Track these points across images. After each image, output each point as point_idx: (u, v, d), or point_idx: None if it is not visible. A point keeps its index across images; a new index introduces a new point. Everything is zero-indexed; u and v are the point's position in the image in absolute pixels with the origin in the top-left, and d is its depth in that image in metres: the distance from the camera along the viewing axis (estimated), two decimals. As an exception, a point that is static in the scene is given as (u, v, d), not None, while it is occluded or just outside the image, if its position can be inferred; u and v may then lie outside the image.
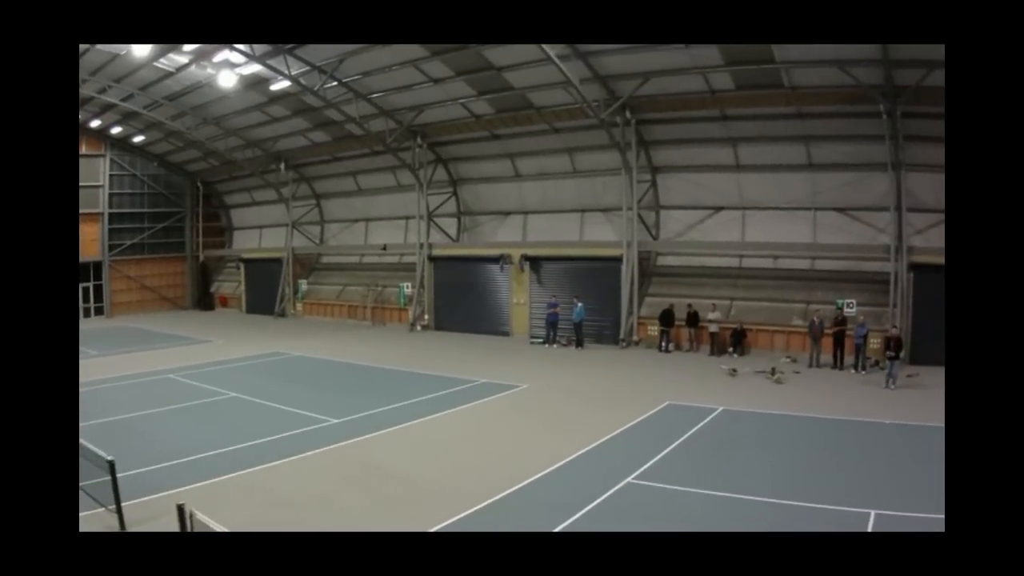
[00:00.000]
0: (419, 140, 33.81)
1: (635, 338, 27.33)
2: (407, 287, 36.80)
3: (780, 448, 14.46)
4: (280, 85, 30.42)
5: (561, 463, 13.30)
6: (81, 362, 24.64)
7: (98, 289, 47.56)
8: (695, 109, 24.87)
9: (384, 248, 39.44)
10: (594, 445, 14.40)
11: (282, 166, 42.28)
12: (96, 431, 16.07)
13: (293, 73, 28.47)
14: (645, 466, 13.08)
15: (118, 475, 10.29)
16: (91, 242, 46.52)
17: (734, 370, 21.64)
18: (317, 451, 14.51)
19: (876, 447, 14.34)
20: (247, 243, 51.00)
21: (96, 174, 46.67)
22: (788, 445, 14.73)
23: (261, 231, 49.23)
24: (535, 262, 31.39)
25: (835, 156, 24.67)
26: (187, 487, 12.08)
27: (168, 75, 33.07)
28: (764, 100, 23.20)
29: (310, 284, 44.73)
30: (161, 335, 36.60)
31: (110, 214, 47.57)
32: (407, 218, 37.34)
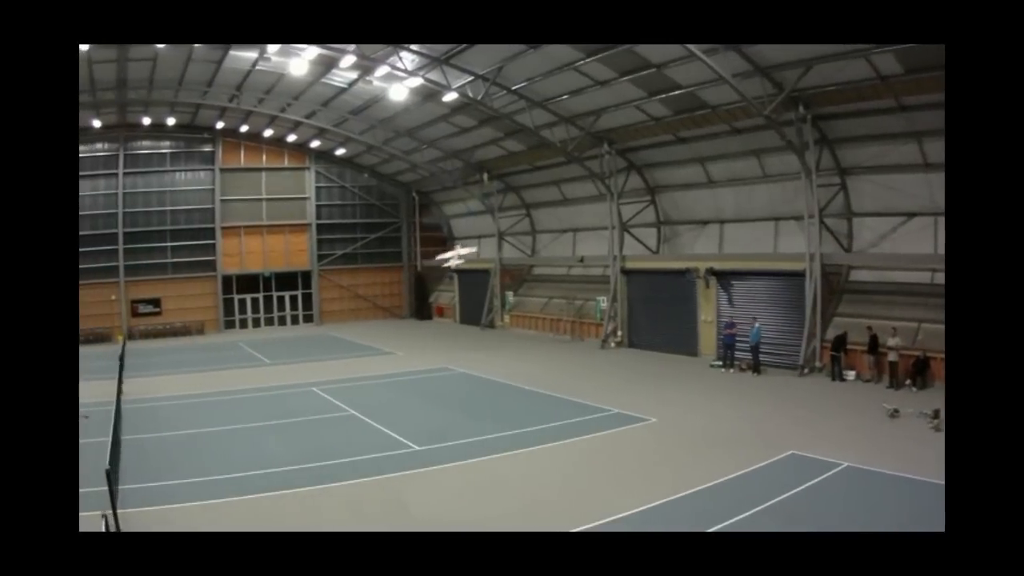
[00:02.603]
0: (606, 147, 35.92)
1: (818, 364, 27.30)
2: (603, 301, 38.97)
3: (868, 524, 12.62)
4: (450, 97, 34.35)
5: (604, 520, 13.30)
6: (245, 371, 30.67)
7: (307, 297, 56.11)
8: (868, 100, 24.55)
9: (581, 260, 42.22)
10: (661, 501, 14.27)
11: (485, 176, 46.32)
12: (170, 441, 21.09)
13: (461, 84, 32.79)
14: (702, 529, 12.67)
15: (149, 484, 13.64)
16: (299, 252, 55.39)
17: (896, 411, 20.41)
18: (355, 482, 16.28)
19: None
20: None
21: (302, 186, 55.51)
22: (890, 522, 12.68)
23: (480, 241, 53.81)
24: (721, 276, 32.18)
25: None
26: (183, 504, 15.14)
27: (342, 91, 39.14)
28: (937, 85, 22.11)
29: (518, 296, 48.44)
30: (352, 344, 42.88)
31: (319, 225, 55.73)
32: (613, 228, 39.40)
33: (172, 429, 22.40)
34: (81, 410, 19.80)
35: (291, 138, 51.95)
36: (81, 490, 12.95)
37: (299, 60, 33.52)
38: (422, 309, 57.65)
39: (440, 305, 57.10)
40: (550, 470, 17.02)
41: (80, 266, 47.08)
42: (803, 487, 14.79)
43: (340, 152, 53.55)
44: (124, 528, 13.27)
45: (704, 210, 35.48)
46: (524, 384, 27.72)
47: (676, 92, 29.08)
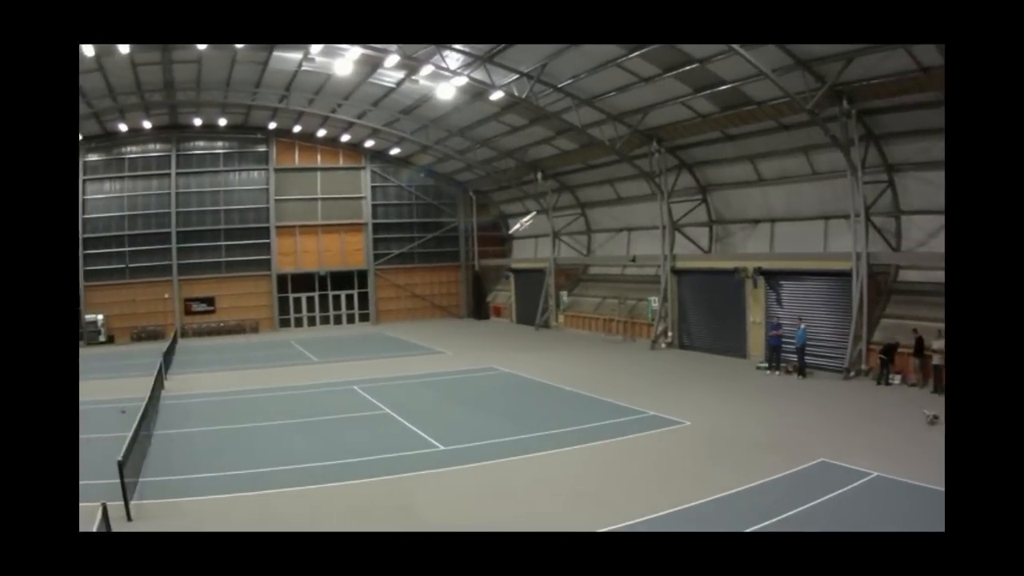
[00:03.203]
0: (655, 145, 36.08)
1: (864, 367, 27.04)
2: (654, 302, 39.11)
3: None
4: (497, 96, 34.99)
5: (619, 525, 13.37)
6: (290, 368, 32.08)
7: (363, 297, 57.58)
8: (911, 92, 24.27)
9: (633, 259, 42.38)
10: (667, 511, 14.17)
11: (539, 175, 46.82)
12: (199, 436, 22.19)
13: (506, 82, 33.68)
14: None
15: (169, 477, 14.59)
16: (355, 251, 56.89)
17: (935, 417, 19.84)
18: (364, 481, 16.86)
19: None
20: (525, 253, 56.71)
21: (358, 186, 57.08)
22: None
23: (537, 241, 54.43)
24: (769, 276, 32.06)
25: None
26: (196, 497, 16.17)
27: (390, 90, 40.19)
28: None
29: (573, 296, 48.85)
30: (402, 343, 44.16)
31: (375, 224, 57.13)
32: (663, 227, 39.43)
33: (204, 425, 23.56)
34: (119, 405, 21.14)
35: (345, 138, 53.43)
36: (98, 481, 14.52)
37: (343, 60, 34.70)
38: (480, 309, 58.51)
39: (497, 305, 57.89)
40: (565, 474, 17.18)
41: (133, 264, 49.58)
42: (825, 498, 14.49)
43: (395, 152, 54.81)
44: (135, 517, 14.51)
45: (755, 209, 35.37)
46: (565, 385, 28.11)
47: (721, 88, 29.16)
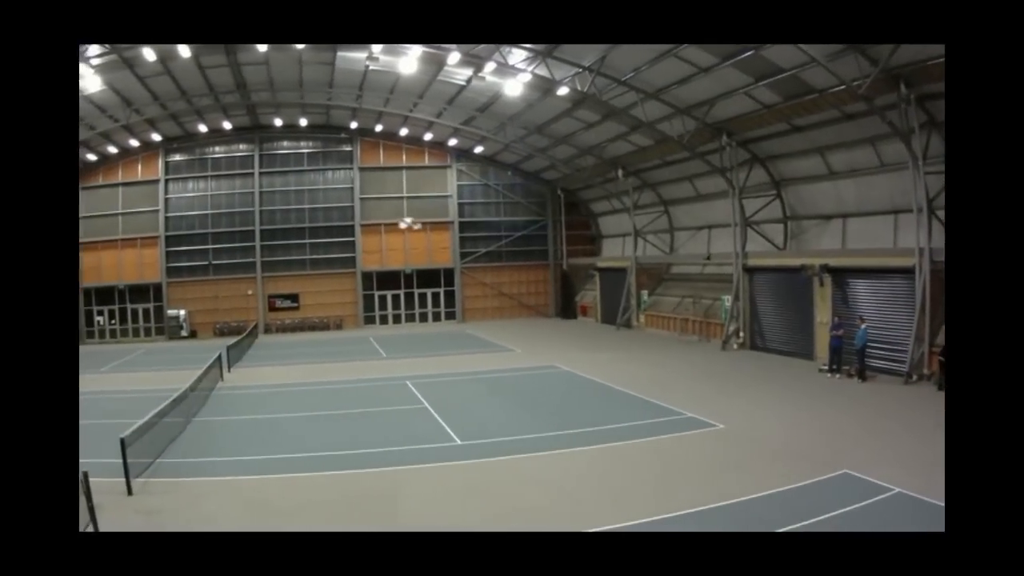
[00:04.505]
0: (725, 138, 35.13)
1: (926, 371, 25.53)
2: (727, 301, 38.11)
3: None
4: (563, 91, 34.86)
5: (591, 528, 13.24)
6: (356, 363, 34.17)
7: (449, 295, 58.18)
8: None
9: (708, 258, 41.40)
10: (668, 515, 13.88)
11: (619, 172, 46.28)
12: (234, 424, 23.19)
13: (568, 76, 33.78)
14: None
15: (188, 459, 16.07)
16: (441, 249, 57.58)
17: None
18: (362, 471, 17.33)
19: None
20: (614, 251, 56.16)
21: (444, 185, 57.63)
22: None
23: (624, 239, 53.88)
24: (836, 273, 30.73)
25: None
26: (203, 478, 17.10)
27: (462, 88, 40.43)
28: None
29: (655, 295, 48.15)
30: (479, 341, 44.61)
31: (461, 223, 57.70)
32: (736, 225, 38.52)
33: (244, 414, 24.59)
34: (169, 394, 22.56)
35: (428, 137, 54.27)
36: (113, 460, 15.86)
37: (407, 59, 35.23)
38: (567, 308, 58.27)
39: (584, 304, 57.56)
40: (561, 473, 17.03)
41: (216, 262, 51.55)
42: (834, 514, 13.65)
43: (479, 150, 55.30)
44: (136, 492, 15.83)
45: (827, 203, 34.00)
46: (617, 384, 27.73)
47: (780, 76, 28.19)
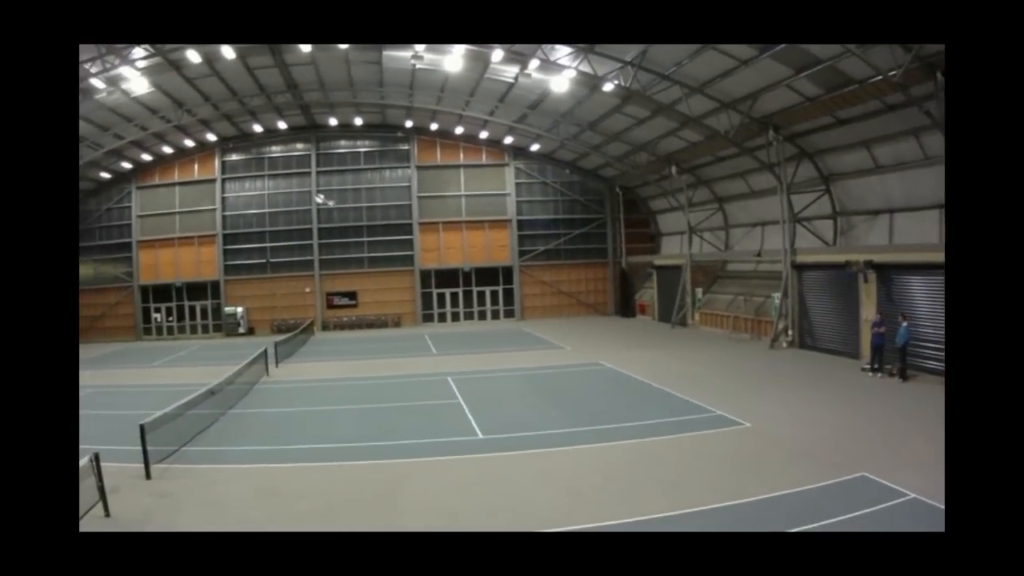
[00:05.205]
0: (772, 133, 34.58)
1: (968, 370, 24.67)
2: (777, 298, 37.50)
3: None
4: (609, 87, 34.97)
5: (589, 526, 13.30)
6: (403, 360, 35.68)
7: (508, 293, 58.35)
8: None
9: (758, 255, 40.77)
10: (662, 515, 13.81)
11: (673, 169, 45.89)
12: (267, 416, 23.95)
13: (611, 71, 33.96)
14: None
15: (212, 448, 17.73)
16: (500, 247, 57.75)
17: None
18: (372, 462, 17.90)
19: None
20: (672, 249, 55.71)
21: (502, 182, 57.76)
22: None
23: (681, 237, 53.38)
24: (881, 270, 29.96)
25: None
26: (221, 465, 18.02)
27: (511, 86, 40.93)
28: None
29: (710, 293, 47.64)
30: (532, 339, 44.85)
31: (520, 221, 57.80)
32: (784, 221, 37.91)
33: (280, 407, 25.42)
34: (211, 387, 23.60)
35: (483, 135, 54.67)
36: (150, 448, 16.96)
37: (452, 57, 35.69)
38: (626, 306, 57.92)
39: (642, 302, 57.17)
40: (572, 469, 17.00)
41: (274, 260, 52.73)
42: (843, 518, 13.32)
43: (535, 148, 55.33)
44: (154, 477, 16.78)
45: (874, 199, 33.09)
46: (655, 382, 27.60)
47: (818, 67, 27.68)
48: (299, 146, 55.91)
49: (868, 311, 30.75)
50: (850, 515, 13.30)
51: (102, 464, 14.52)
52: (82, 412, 24.83)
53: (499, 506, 14.59)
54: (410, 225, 56.57)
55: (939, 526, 12.13)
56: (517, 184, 58.08)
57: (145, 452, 16.88)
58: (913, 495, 14.15)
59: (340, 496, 15.44)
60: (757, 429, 19.91)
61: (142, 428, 16.84)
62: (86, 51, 30.85)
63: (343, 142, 56.49)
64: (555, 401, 24.73)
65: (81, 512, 13.69)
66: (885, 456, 16.94)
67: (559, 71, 35.19)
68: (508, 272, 58.06)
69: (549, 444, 19.01)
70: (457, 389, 27.34)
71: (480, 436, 20.23)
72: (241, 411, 24.33)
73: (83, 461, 13.94)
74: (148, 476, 16.71)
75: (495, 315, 58.02)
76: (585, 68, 34.25)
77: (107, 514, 14.29)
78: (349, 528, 13.35)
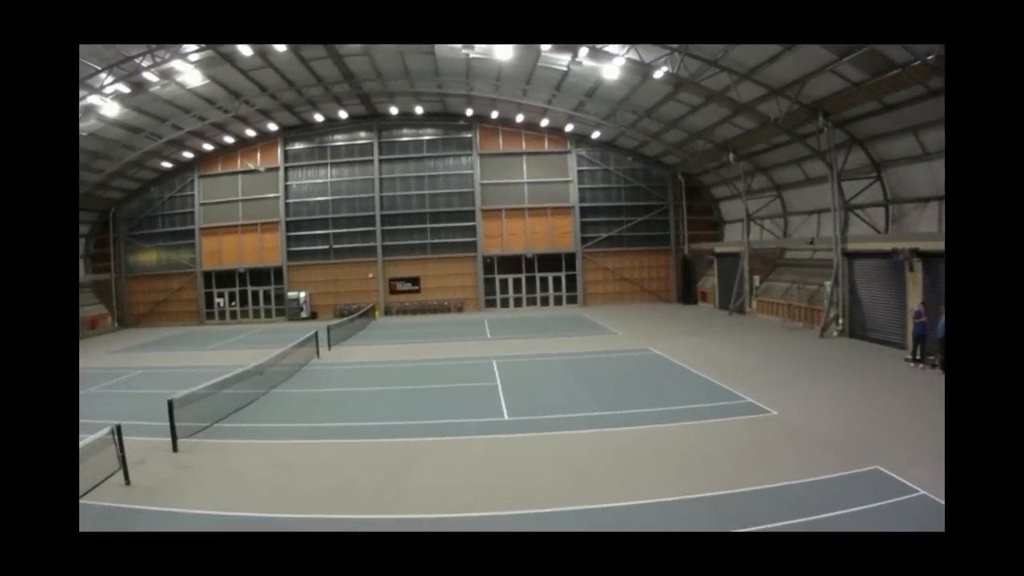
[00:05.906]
0: (821, 119, 34.20)
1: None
2: (828, 287, 37.12)
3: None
4: (659, 73, 35.22)
5: (589, 506, 13.58)
6: (454, 343, 38.92)
7: (571, 279, 58.66)
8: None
9: (811, 242, 40.42)
10: (678, 498, 13.95)
11: (730, 156, 45.57)
12: (304, 396, 24.98)
13: (657, 58, 34.31)
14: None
15: (245, 424, 19.77)
16: (563, 234, 58.12)
17: None
18: (391, 440, 18.62)
19: None
20: (735, 237, 55.21)
21: (564, 170, 58.15)
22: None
23: (742, 225, 52.83)
24: (928, 258, 29.45)
25: None
26: (251, 440, 19.24)
27: (565, 73, 41.39)
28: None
29: (768, 281, 47.26)
30: (589, 325, 45.33)
31: (582, 208, 58.13)
32: (835, 209, 37.38)
33: (322, 387, 26.52)
34: (259, 367, 24.82)
35: (544, 123, 55.01)
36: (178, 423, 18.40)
37: (502, 46, 36.03)
38: (688, 294, 57.71)
39: (704, 290, 56.85)
40: (590, 451, 17.24)
41: (337, 246, 54.04)
42: (841, 512, 13.05)
43: (596, 135, 55.46)
44: (180, 450, 17.97)
45: (924, 186, 32.41)
46: (696, 368, 27.73)
47: (858, 52, 27.40)
48: (362, 134, 57.21)
49: (915, 300, 30.27)
50: (849, 510, 13.12)
51: (135, 438, 15.59)
52: (125, 391, 27.06)
53: (500, 484, 15.01)
54: (473, 212, 57.33)
55: (934, 523, 12.37)
56: (579, 171, 58.25)
57: (173, 427, 18.07)
58: (922, 492, 13.83)
59: (351, 472, 16.14)
60: (780, 418, 19.85)
61: (170, 404, 18.00)
62: (136, 47, 32.32)
63: (406, 130, 57.54)
64: (591, 386, 25.02)
65: (103, 478, 14.85)
66: (903, 450, 16.61)
67: (609, 59, 35.45)
68: (571, 258, 58.33)
69: (570, 427, 19.32)
70: (498, 372, 27.97)
71: (506, 418, 20.78)
72: (284, 391, 25.46)
73: (103, 432, 15.01)
74: (175, 449, 17.91)
75: (558, 301, 58.40)
76: (632, 56, 34.47)
77: (127, 482, 15.30)
78: (348, 504, 14.06)
